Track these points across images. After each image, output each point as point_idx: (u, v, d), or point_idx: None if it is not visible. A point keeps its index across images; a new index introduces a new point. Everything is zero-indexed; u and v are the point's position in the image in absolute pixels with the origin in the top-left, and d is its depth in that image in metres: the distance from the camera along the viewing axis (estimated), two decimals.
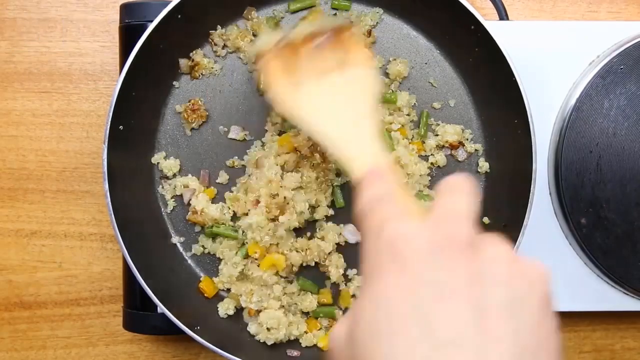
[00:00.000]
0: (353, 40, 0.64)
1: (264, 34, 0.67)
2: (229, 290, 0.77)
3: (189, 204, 0.78)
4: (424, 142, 0.78)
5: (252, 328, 0.76)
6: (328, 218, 0.78)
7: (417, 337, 0.38)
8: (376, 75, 0.65)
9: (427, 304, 0.39)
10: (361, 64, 0.64)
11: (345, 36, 0.64)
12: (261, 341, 0.75)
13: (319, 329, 0.78)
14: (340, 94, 0.62)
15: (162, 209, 0.79)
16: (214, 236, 0.77)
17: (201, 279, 0.78)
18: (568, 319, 0.86)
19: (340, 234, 0.77)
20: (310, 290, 0.77)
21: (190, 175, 0.78)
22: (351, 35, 0.64)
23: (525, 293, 0.40)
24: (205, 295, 0.77)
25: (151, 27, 0.71)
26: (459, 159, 0.79)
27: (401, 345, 0.38)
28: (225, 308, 0.77)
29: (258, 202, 0.74)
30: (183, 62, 0.77)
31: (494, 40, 0.71)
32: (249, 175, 0.77)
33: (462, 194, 0.45)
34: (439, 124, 0.78)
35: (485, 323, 0.38)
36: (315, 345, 0.77)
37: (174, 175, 0.78)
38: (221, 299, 0.78)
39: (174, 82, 0.78)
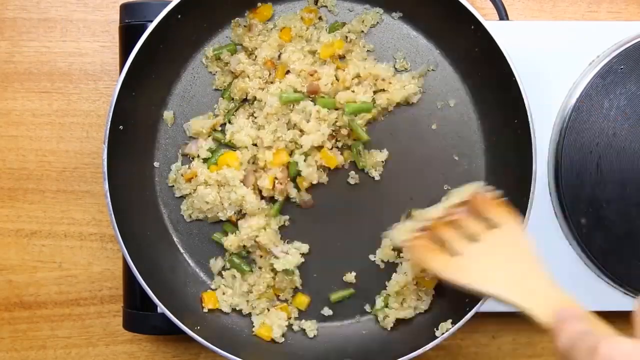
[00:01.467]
0: (489, 202, 0.68)
1: (399, 228, 0.71)
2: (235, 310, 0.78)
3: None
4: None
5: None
6: None
7: None
8: (523, 228, 0.70)
9: None
10: (505, 220, 0.67)
11: (480, 202, 0.68)
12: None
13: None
14: (500, 253, 0.66)
15: (162, 209, 0.79)
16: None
17: (205, 292, 0.78)
18: None
19: None
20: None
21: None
22: (485, 199, 0.68)
23: None
24: (203, 306, 0.77)
25: (151, 27, 0.71)
26: None
27: None
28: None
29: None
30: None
31: (494, 40, 0.71)
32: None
33: None
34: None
35: None
36: None
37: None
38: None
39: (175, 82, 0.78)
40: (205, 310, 0.77)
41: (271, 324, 0.76)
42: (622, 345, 0.45)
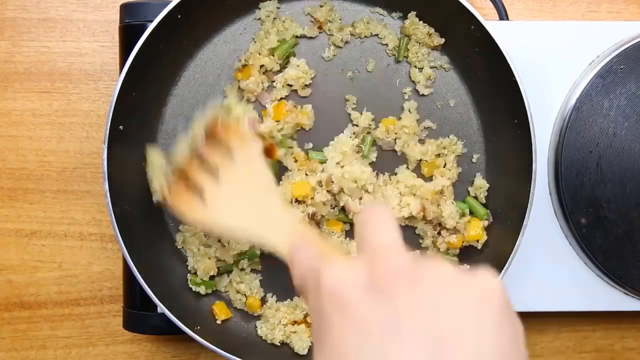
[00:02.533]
0: (225, 128, 0.65)
1: (154, 184, 0.68)
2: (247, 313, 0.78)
3: None
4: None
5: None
6: None
7: None
8: (259, 152, 0.65)
9: (380, 347, 0.36)
10: (240, 147, 0.64)
11: (218, 129, 0.65)
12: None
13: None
14: (238, 185, 0.62)
15: (163, 209, 0.78)
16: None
17: (215, 303, 0.78)
18: (568, 319, 0.86)
19: None
20: None
21: None
22: (223, 124, 0.65)
23: (478, 310, 0.38)
24: (216, 318, 0.77)
25: (151, 27, 0.71)
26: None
27: None
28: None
29: None
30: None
31: (494, 40, 0.71)
32: None
33: (380, 224, 0.43)
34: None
35: (444, 353, 0.36)
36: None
37: None
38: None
39: (175, 82, 0.78)
40: (219, 321, 0.77)
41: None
42: (337, 272, 0.40)
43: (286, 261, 0.51)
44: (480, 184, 0.77)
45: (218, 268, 0.77)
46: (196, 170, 0.64)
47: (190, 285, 0.77)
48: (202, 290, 0.76)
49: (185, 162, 0.65)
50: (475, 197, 0.78)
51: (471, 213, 0.77)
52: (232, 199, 0.62)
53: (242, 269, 0.77)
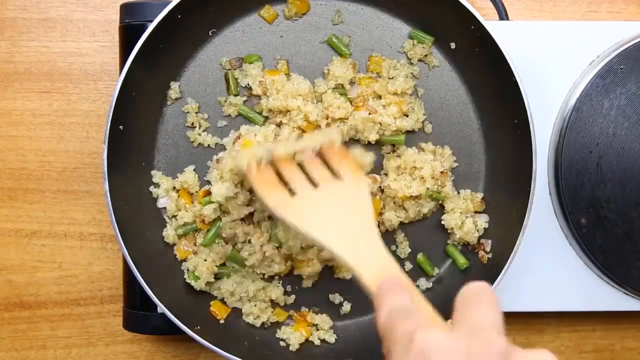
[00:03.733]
0: (341, 153, 0.66)
1: (242, 153, 0.68)
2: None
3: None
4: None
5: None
6: None
7: None
8: (368, 186, 0.67)
9: None
10: (353, 176, 0.65)
11: (332, 151, 0.66)
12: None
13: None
14: (337, 205, 0.64)
15: (162, 209, 0.79)
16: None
17: (212, 302, 0.78)
18: (568, 319, 0.86)
19: None
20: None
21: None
22: (339, 149, 0.66)
23: None
24: (218, 318, 0.77)
25: (151, 27, 0.71)
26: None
27: None
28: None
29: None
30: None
31: (494, 40, 0.71)
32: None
33: (485, 305, 0.45)
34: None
35: None
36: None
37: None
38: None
39: (174, 82, 0.78)
40: (222, 321, 0.77)
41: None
42: (435, 336, 0.43)
43: (369, 292, 0.54)
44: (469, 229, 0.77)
45: (215, 274, 0.77)
46: (293, 169, 0.65)
47: (188, 280, 0.77)
48: (199, 285, 0.76)
49: (283, 158, 0.66)
50: (458, 244, 0.79)
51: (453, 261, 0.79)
52: (326, 211, 0.63)
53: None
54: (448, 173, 0.77)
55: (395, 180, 0.76)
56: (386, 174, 0.78)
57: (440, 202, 0.77)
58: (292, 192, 0.65)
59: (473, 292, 0.47)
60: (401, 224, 0.78)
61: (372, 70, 0.78)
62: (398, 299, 0.50)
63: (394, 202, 0.77)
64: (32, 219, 0.85)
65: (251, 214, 0.76)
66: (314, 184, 0.65)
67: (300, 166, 0.66)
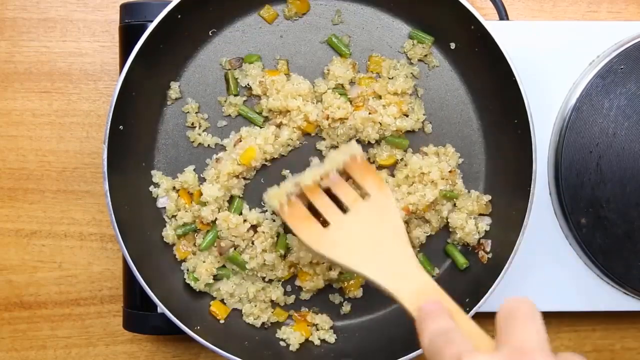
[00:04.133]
0: (364, 167, 0.67)
1: (271, 190, 0.69)
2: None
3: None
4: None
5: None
6: None
7: None
8: (394, 200, 0.67)
9: None
10: (378, 191, 0.65)
11: (355, 165, 0.66)
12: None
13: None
14: (369, 226, 0.64)
15: (162, 209, 0.79)
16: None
17: (211, 303, 0.78)
18: (568, 319, 0.86)
19: None
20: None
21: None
22: (361, 163, 0.67)
23: None
24: (218, 318, 0.77)
25: (151, 27, 0.71)
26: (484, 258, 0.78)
27: None
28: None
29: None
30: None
31: (494, 40, 0.71)
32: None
33: (528, 323, 0.45)
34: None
35: None
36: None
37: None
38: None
39: (174, 82, 0.78)
40: (222, 321, 0.77)
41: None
42: None
43: (409, 312, 0.55)
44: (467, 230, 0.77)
45: (215, 275, 0.77)
46: (322, 197, 0.66)
47: (188, 281, 0.77)
48: (198, 286, 0.76)
49: (310, 188, 0.66)
50: (457, 243, 0.79)
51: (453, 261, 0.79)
52: (359, 236, 0.63)
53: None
54: (456, 170, 0.77)
55: (410, 194, 0.76)
56: (398, 186, 0.77)
57: (455, 200, 0.77)
58: (325, 222, 0.65)
59: (514, 308, 0.46)
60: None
61: (372, 70, 0.78)
62: (440, 323, 0.50)
63: (416, 218, 0.77)
64: (32, 219, 0.85)
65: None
66: (342, 209, 0.65)
67: (327, 191, 0.66)
